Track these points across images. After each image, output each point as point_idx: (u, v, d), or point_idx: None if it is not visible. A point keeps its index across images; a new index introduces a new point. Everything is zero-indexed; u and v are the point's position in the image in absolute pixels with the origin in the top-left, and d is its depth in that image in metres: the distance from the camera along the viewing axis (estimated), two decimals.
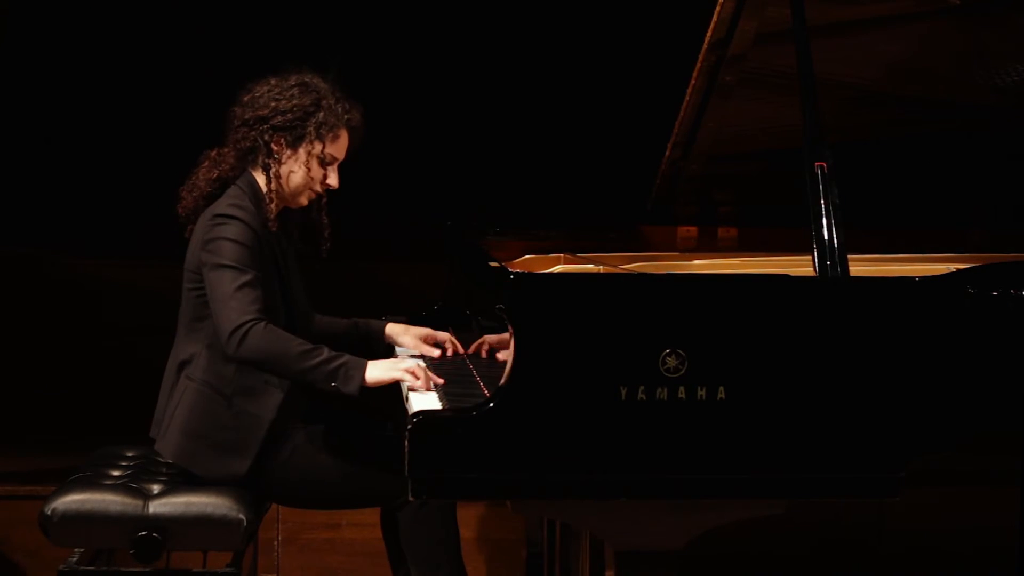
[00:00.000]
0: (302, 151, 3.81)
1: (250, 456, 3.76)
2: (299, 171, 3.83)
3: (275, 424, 3.77)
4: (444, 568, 3.80)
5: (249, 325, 3.62)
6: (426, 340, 4.07)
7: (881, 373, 3.26)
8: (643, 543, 3.28)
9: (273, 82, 3.85)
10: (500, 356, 3.76)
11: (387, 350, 4.13)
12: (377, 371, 3.62)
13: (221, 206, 3.78)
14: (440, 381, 3.63)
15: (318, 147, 3.81)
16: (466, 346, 4.04)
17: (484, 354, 3.91)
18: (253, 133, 3.82)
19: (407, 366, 3.63)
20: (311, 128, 3.80)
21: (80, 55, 6.00)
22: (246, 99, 3.86)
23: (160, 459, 3.96)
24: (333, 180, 3.86)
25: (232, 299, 3.64)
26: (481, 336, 3.94)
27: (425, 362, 3.84)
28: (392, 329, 4.13)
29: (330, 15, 6.06)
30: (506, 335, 3.25)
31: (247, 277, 3.67)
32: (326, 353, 3.63)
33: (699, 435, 3.19)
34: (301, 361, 3.62)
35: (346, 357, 3.64)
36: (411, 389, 3.59)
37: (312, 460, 3.81)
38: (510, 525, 4.87)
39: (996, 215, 4.53)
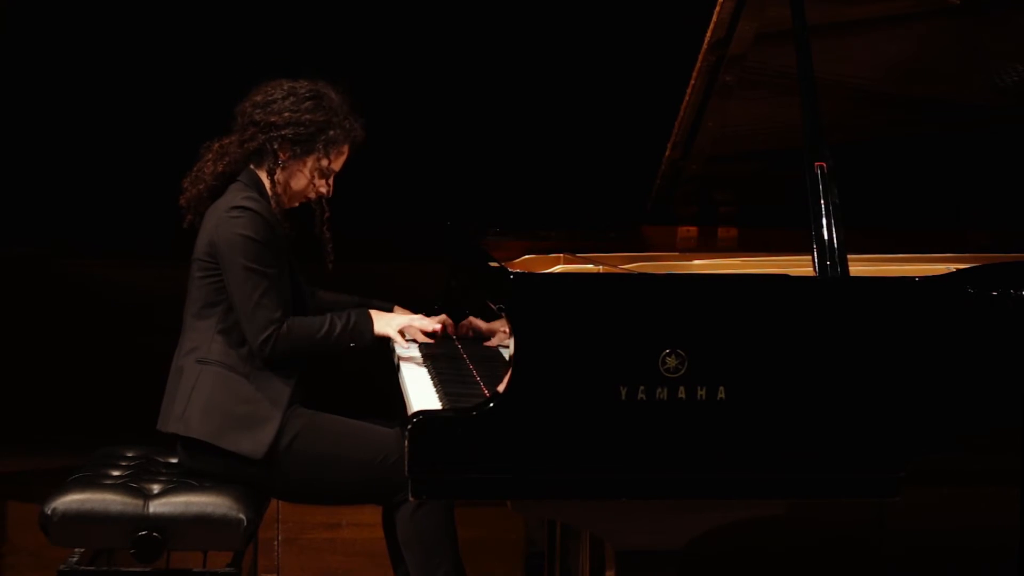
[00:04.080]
0: (308, 163, 3.92)
1: (274, 427, 3.79)
2: (300, 180, 3.93)
3: (292, 396, 3.83)
4: (443, 568, 3.80)
5: (275, 333, 3.78)
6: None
7: (881, 373, 3.26)
8: (643, 543, 3.28)
9: (287, 87, 3.93)
10: (491, 343, 3.92)
11: None
12: (379, 325, 3.90)
13: (237, 198, 3.84)
14: (437, 327, 3.94)
15: (324, 163, 3.92)
16: (465, 345, 4.05)
17: (471, 333, 4.09)
18: (263, 136, 3.89)
19: (399, 323, 3.90)
20: (320, 144, 3.90)
21: (80, 55, 5.99)
22: (259, 99, 3.92)
23: (160, 459, 3.97)
24: (325, 189, 3.98)
25: (258, 307, 3.78)
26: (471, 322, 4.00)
27: (425, 348, 4.03)
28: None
29: (331, 15, 6.06)
30: (496, 324, 3.25)
31: (267, 281, 3.79)
32: (338, 321, 3.85)
33: (699, 435, 3.19)
34: (324, 341, 3.84)
35: (353, 316, 3.88)
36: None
37: (312, 457, 3.81)
38: (510, 525, 4.87)
39: (996, 215, 4.53)
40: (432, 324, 3.97)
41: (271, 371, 3.82)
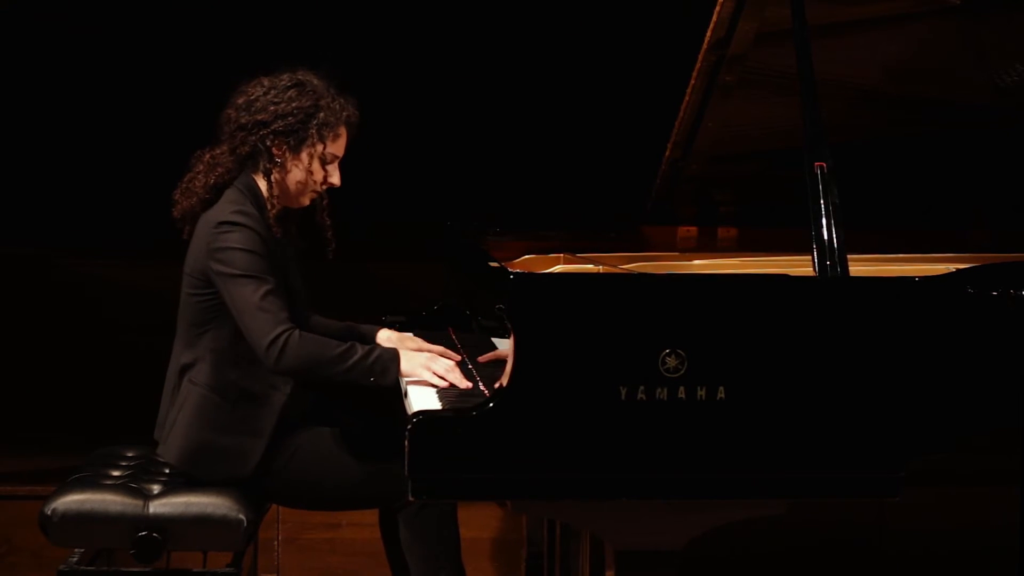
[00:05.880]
0: (304, 154, 3.78)
1: (253, 461, 3.75)
2: (301, 173, 3.79)
3: (277, 427, 3.78)
4: (444, 569, 3.79)
5: (286, 336, 3.60)
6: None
7: (881, 373, 3.26)
8: (643, 543, 3.28)
9: (267, 83, 3.80)
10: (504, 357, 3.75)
11: None
12: (409, 366, 3.64)
13: (225, 212, 3.72)
14: (468, 385, 3.60)
15: (320, 148, 3.78)
16: (465, 347, 4.04)
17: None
18: (253, 138, 3.77)
19: (438, 368, 3.62)
20: (313, 130, 3.76)
21: (80, 55, 6.00)
22: (241, 102, 3.80)
23: (161, 460, 3.96)
24: (335, 179, 3.84)
25: (260, 310, 3.61)
26: (482, 335, 3.94)
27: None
28: (383, 337, 4.05)
29: (331, 15, 6.06)
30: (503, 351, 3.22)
31: (269, 286, 3.64)
32: (360, 349, 3.63)
33: (699, 435, 3.19)
34: (340, 363, 3.61)
35: (379, 350, 3.66)
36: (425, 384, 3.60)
37: (312, 462, 3.80)
38: (510, 525, 4.87)
39: (996, 215, 4.53)
40: (465, 382, 3.62)
41: (255, 401, 3.75)
